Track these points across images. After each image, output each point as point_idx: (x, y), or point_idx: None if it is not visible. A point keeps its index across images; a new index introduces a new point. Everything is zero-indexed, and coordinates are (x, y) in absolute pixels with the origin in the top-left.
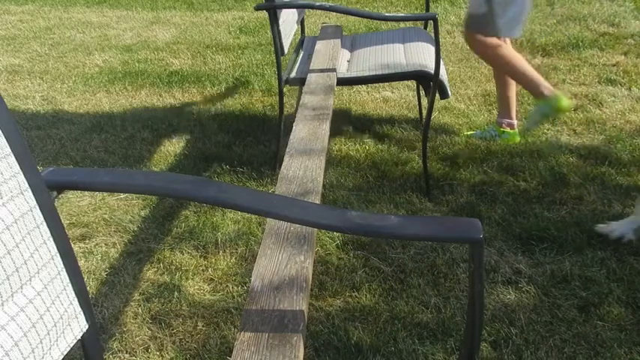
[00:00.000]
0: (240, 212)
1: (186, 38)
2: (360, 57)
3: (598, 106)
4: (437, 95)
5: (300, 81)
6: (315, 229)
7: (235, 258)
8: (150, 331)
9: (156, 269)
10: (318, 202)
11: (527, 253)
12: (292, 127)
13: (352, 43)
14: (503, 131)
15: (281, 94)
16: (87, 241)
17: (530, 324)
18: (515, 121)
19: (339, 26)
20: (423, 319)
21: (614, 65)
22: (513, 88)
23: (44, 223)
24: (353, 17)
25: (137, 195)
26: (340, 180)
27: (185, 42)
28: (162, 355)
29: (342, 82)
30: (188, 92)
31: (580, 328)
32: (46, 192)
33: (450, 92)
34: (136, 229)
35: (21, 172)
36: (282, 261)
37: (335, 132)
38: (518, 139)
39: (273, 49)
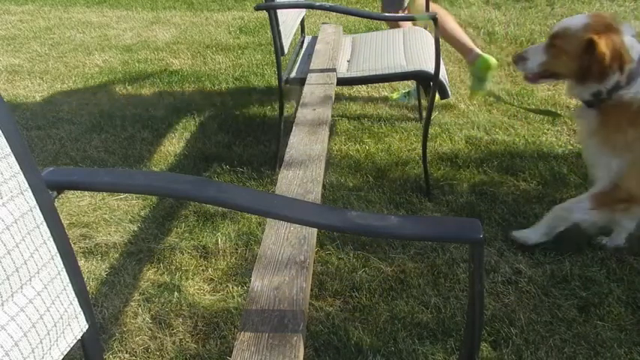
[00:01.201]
0: (240, 212)
1: (186, 38)
2: (360, 57)
3: None
4: (437, 95)
5: (300, 81)
6: (315, 229)
7: (235, 258)
8: (150, 331)
9: (156, 269)
10: (318, 202)
11: (527, 253)
12: (292, 127)
13: (352, 43)
14: (474, 61)
15: (281, 94)
16: (87, 241)
17: (530, 324)
18: (477, 48)
19: (339, 26)
20: (423, 319)
21: None
22: (458, 29)
23: (44, 223)
24: (353, 17)
25: (137, 195)
26: (340, 180)
27: (185, 42)
28: (162, 355)
29: (342, 82)
30: (188, 92)
31: (580, 328)
32: (46, 192)
33: (449, 92)
34: (136, 229)
35: (21, 172)
36: (282, 261)
37: (335, 132)
38: (492, 59)
39: (273, 49)
